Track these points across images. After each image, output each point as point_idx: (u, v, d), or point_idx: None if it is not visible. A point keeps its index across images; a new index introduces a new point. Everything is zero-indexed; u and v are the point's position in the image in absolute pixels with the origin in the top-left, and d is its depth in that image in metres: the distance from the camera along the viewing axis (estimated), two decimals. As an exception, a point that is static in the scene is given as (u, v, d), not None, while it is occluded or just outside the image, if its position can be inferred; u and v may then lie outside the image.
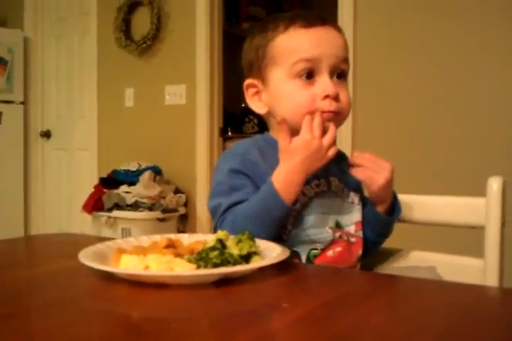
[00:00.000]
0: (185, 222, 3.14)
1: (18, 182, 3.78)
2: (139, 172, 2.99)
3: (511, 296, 0.65)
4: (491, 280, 0.87)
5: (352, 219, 0.95)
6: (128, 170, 3.05)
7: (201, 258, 0.68)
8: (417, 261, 0.98)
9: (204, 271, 0.65)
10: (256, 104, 0.95)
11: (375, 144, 2.48)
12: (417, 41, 2.42)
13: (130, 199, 2.87)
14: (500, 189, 0.89)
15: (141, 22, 3.35)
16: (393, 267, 1.00)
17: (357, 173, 0.90)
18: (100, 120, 3.55)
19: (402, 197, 0.99)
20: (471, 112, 2.29)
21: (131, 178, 2.98)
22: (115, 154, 3.45)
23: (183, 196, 3.09)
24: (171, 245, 0.79)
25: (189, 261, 0.69)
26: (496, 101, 2.24)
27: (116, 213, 2.86)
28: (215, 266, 0.67)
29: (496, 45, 2.23)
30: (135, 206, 2.86)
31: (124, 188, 2.94)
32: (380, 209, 0.95)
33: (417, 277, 0.79)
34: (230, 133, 3.47)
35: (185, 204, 3.10)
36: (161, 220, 2.89)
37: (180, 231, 3.08)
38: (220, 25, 3.25)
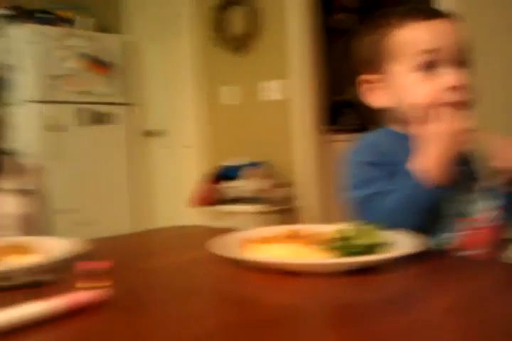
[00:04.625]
0: (292, 215, 3.17)
1: (126, 180, 4.00)
2: (242, 168, 3.06)
3: None
4: None
5: (480, 206, 0.94)
6: (232, 166, 3.14)
7: (330, 248, 0.69)
8: None
9: (336, 260, 0.65)
10: (372, 99, 0.96)
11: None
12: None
13: (236, 194, 2.96)
14: None
15: (235, 20, 3.42)
16: None
17: (498, 163, 0.90)
18: (200, 118, 3.66)
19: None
20: None
21: (234, 173, 3.06)
22: (218, 150, 3.55)
23: (289, 189, 3.13)
24: (295, 235, 0.80)
25: (317, 250, 0.70)
26: None
27: (223, 207, 2.96)
28: (344, 255, 0.67)
29: None
30: (241, 200, 2.94)
31: (228, 183, 3.03)
32: None
33: None
34: (327, 126, 3.45)
35: (291, 198, 3.13)
36: (268, 213, 2.95)
37: (287, 224, 3.11)
38: (313, 18, 3.24)
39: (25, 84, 3.42)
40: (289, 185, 3.18)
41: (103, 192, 3.77)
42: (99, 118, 3.80)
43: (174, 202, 3.86)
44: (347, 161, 0.95)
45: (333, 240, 0.70)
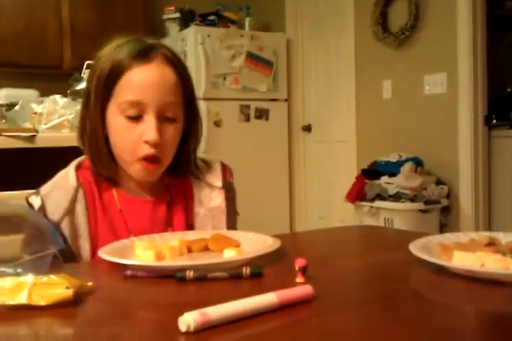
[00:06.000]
0: (447, 215, 3.07)
1: (284, 172, 4.17)
2: (399, 164, 3.02)
3: None
4: None
5: None
6: (388, 161, 3.10)
7: (534, 258, 0.69)
8: None
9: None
10: None
11: None
12: None
13: (392, 190, 2.93)
14: None
15: (399, 13, 3.36)
16: None
17: None
18: (358, 113, 3.67)
19: None
20: None
21: (391, 169, 3.03)
22: (374, 145, 3.54)
23: (445, 187, 3.02)
24: (491, 243, 0.81)
25: (519, 260, 0.71)
26: None
27: (378, 203, 2.95)
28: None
29: None
30: (397, 197, 2.91)
31: (385, 179, 3.01)
32: None
33: None
34: (495, 121, 3.25)
35: (448, 196, 3.03)
36: (423, 212, 2.88)
37: (442, 223, 3.03)
38: (482, 7, 3.07)
39: (195, 82, 3.68)
40: (451, 182, 3.06)
41: (264, 186, 3.99)
42: (260, 114, 4.00)
43: (327, 196, 3.93)
44: None
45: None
